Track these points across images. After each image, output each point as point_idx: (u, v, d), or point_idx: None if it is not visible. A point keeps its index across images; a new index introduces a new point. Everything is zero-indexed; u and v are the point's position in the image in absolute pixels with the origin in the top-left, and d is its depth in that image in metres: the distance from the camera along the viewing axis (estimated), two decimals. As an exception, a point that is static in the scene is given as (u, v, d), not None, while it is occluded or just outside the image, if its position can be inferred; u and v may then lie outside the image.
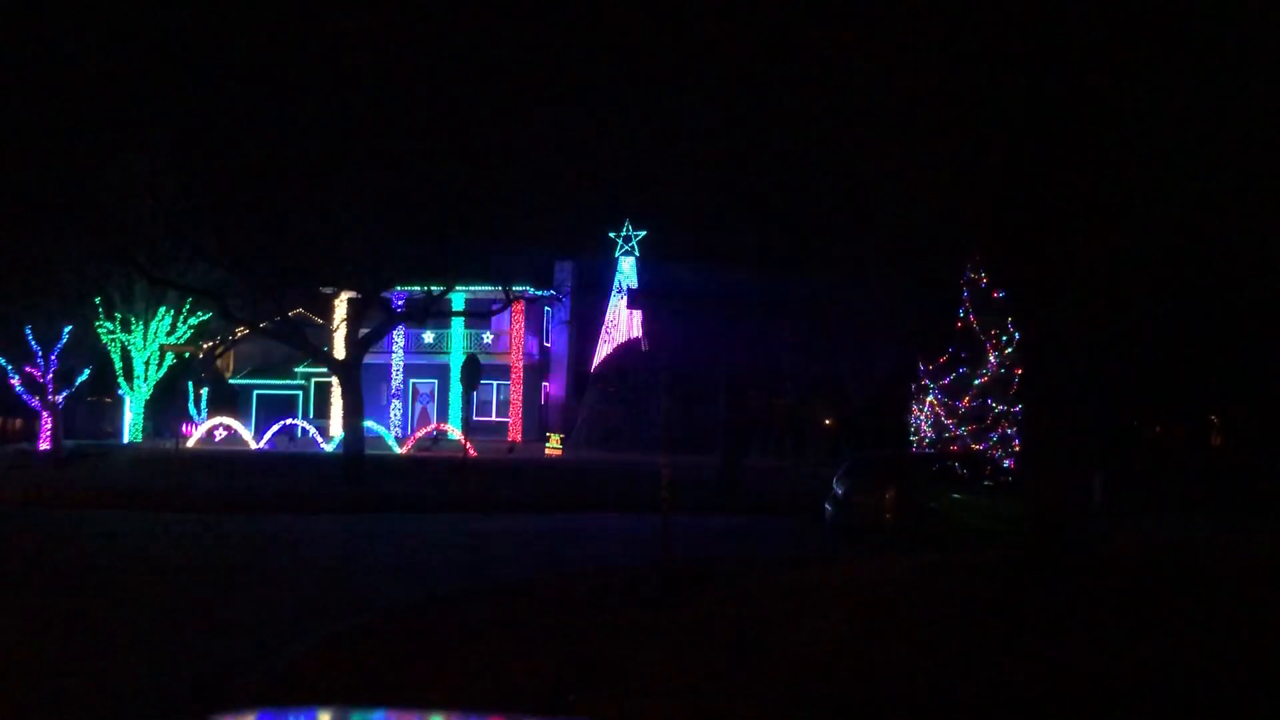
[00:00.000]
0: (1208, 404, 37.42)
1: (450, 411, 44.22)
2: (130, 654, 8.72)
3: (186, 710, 7.29)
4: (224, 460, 31.96)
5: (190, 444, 39.55)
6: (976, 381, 28.45)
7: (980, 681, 6.72)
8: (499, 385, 44.71)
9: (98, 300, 38.66)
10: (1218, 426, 39.10)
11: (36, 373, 37.62)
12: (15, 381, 37.65)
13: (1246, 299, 25.84)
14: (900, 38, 9.87)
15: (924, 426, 30.72)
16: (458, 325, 44.54)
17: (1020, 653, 7.13)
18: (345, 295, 35.15)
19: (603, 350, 45.91)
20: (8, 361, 37.40)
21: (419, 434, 40.53)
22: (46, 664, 8.34)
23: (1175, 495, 28.31)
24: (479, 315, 39.30)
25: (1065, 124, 9.52)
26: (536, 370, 46.69)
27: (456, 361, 42.22)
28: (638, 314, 44.13)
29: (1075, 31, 9.42)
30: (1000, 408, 27.50)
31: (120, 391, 42.52)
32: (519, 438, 43.89)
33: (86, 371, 39.39)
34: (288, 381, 46.78)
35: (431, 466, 30.02)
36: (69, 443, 37.53)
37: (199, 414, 43.33)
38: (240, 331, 38.16)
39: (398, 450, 38.00)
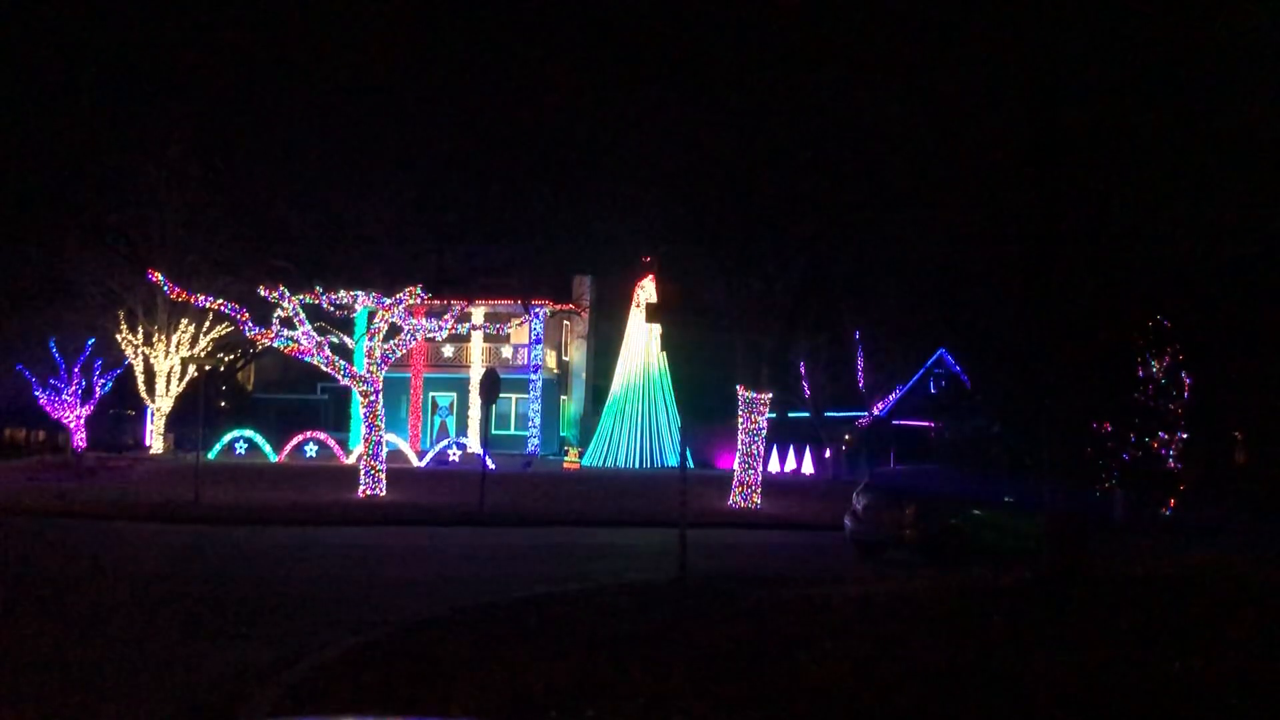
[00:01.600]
0: (1232, 420, 37.11)
1: (469, 424, 44.30)
2: (148, 663, 8.75)
3: (206, 718, 7.33)
4: (244, 473, 32.09)
5: (211, 456, 39.78)
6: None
7: (996, 703, 6.68)
8: (518, 399, 44.80)
9: (120, 313, 38.98)
10: (1241, 442, 38.78)
11: (60, 385, 37.95)
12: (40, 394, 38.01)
13: (1270, 313, 25.67)
14: (923, 69, 9.92)
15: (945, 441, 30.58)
16: (477, 339, 44.66)
17: (1038, 672, 7.08)
18: (366, 308, 35.30)
19: (621, 364, 45.93)
20: (32, 374, 37.74)
21: (437, 447, 40.63)
22: (67, 673, 8.39)
23: (1199, 513, 28.05)
24: (499, 328, 39.42)
25: (1076, 149, 9.53)
26: (555, 384, 46.76)
27: (476, 375, 42.33)
28: (656, 328, 44.13)
29: (1086, 62, 9.47)
30: (1021, 423, 27.33)
31: (142, 404, 42.83)
32: (538, 451, 43.95)
33: (109, 384, 39.69)
34: (308, 395, 46.98)
35: (449, 480, 30.07)
36: (91, 454, 37.81)
37: (220, 426, 43.57)
38: (261, 344, 38.35)
39: (417, 463, 38.10)
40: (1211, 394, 31.19)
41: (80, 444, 38.11)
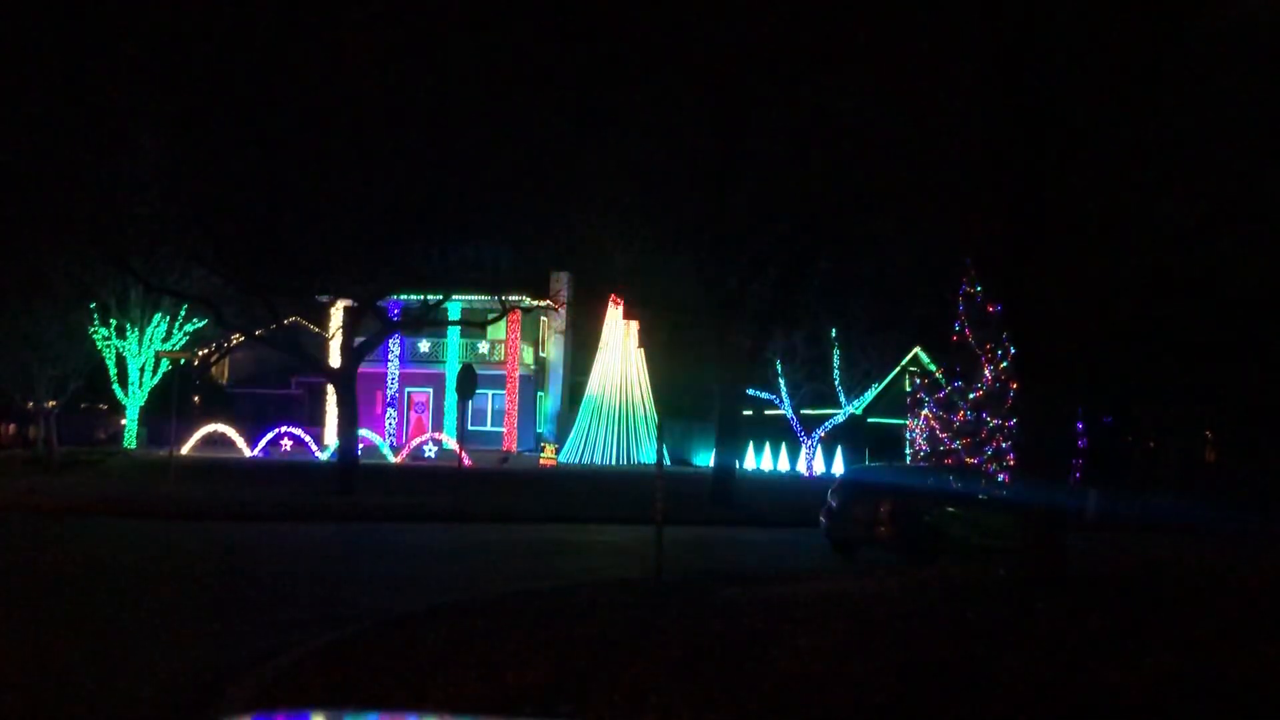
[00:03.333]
0: (1202, 419, 37.48)
1: (445, 420, 44.18)
2: (125, 660, 8.69)
3: (183, 715, 7.29)
4: (218, 468, 31.89)
5: (184, 451, 39.50)
6: (971, 395, 28.45)
7: (971, 699, 6.72)
8: (494, 395, 44.70)
9: (93, 306, 38.59)
10: (1212, 441, 39.19)
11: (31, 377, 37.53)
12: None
13: (1240, 313, 25.92)
14: (894, 64, 9.95)
15: (919, 439, 30.72)
16: (454, 334, 44.51)
17: (1011, 670, 7.12)
18: (341, 303, 35.13)
19: (599, 360, 45.88)
20: (2, 367, 37.31)
21: (413, 443, 40.51)
22: (43, 670, 8.32)
23: (1169, 510, 28.34)
24: (475, 324, 39.27)
25: (1051, 143, 9.61)
26: (532, 380, 46.69)
27: (452, 371, 42.21)
28: (634, 324, 44.18)
29: (1059, 60, 9.53)
30: (995, 422, 27.48)
31: (115, 398, 42.45)
32: (514, 447, 43.87)
33: (81, 377, 39.29)
34: (282, 389, 46.73)
35: (425, 476, 29.98)
36: (63, 449, 37.44)
37: (193, 421, 43.28)
38: (236, 339, 38.13)
39: (392, 459, 37.96)
40: (1183, 394, 31.52)
41: (36, 439, 37.82)
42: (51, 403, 37.98)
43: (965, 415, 28.60)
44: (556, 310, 45.36)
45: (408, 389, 46.07)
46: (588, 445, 43.47)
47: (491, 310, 36.18)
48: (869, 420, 45.42)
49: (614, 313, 43.84)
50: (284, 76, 24.68)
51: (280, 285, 28.72)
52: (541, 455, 40.43)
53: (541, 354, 48.11)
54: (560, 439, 44.28)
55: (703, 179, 25.91)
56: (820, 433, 44.23)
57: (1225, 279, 18.66)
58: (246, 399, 47.47)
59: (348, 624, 9.96)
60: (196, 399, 44.10)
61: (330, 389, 34.81)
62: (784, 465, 45.00)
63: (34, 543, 16.78)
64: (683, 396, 41.03)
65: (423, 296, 31.08)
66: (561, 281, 44.62)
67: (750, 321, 28.80)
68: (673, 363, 41.55)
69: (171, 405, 29.38)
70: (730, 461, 28.66)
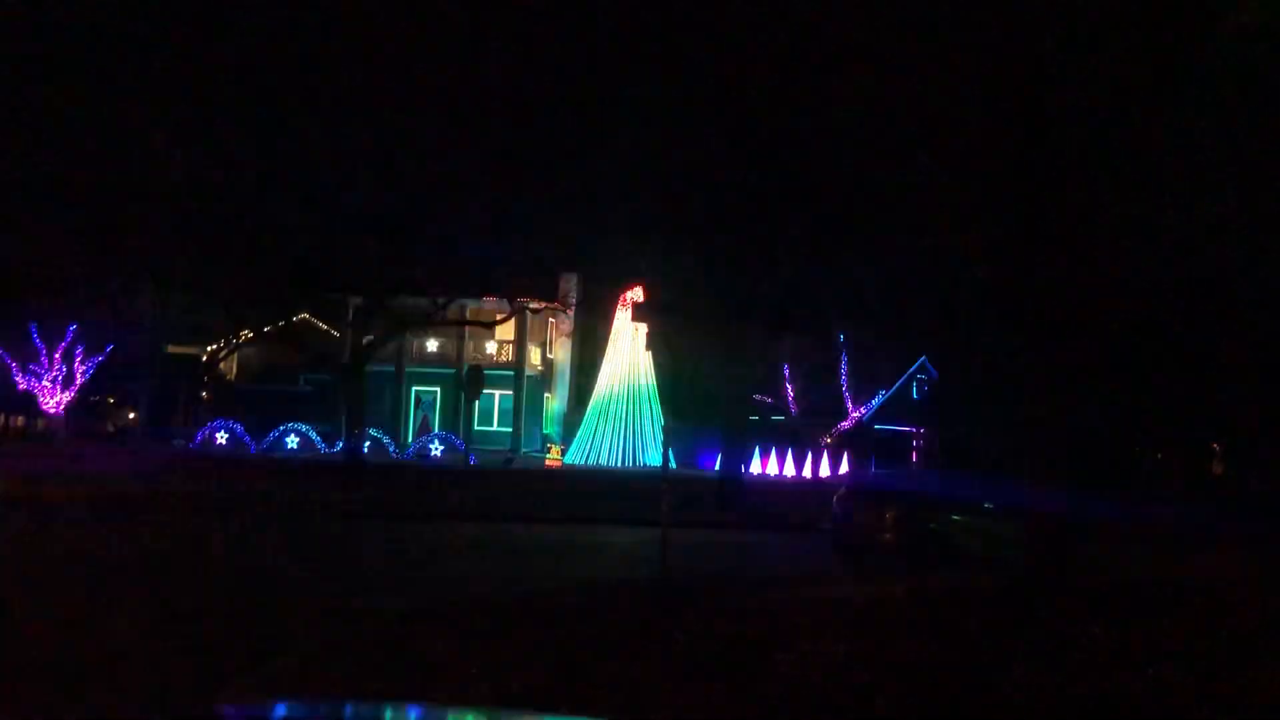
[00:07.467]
0: (1210, 431, 37.38)
1: (452, 420, 44.22)
2: (125, 653, 8.72)
3: (186, 707, 7.30)
4: (224, 463, 31.95)
5: (191, 446, 39.63)
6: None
7: (974, 708, 6.72)
8: (501, 395, 44.73)
9: (104, 301, 38.74)
10: (1220, 454, 39.07)
11: (41, 371, 37.73)
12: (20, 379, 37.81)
13: (1248, 326, 25.86)
14: (905, 72, 9.97)
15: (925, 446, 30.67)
16: (462, 335, 44.55)
17: (1014, 677, 7.12)
18: (351, 302, 35.22)
19: (606, 362, 45.91)
20: (13, 359, 37.49)
21: (419, 442, 40.56)
22: (49, 661, 8.35)
23: (1176, 522, 28.25)
24: (484, 325, 39.35)
25: (1058, 151, 9.62)
26: (539, 381, 46.70)
27: (460, 370, 42.25)
28: (642, 327, 44.18)
29: (1068, 71, 9.55)
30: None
31: (123, 391, 42.61)
32: (520, 448, 43.90)
33: (90, 371, 39.46)
34: (291, 386, 46.78)
35: (431, 475, 30.01)
36: (71, 441, 37.58)
37: (201, 416, 43.39)
38: (245, 335, 38.21)
39: (399, 457, 38.01)
40: (1192, 405, 31.42)
41: (57, 429, 37.94)
42: (62, 396, 38.14)
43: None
44: (564, 312, 45.40)
45: (415, 388, 46.12)
46: (594, 447, 43.46)
47: (500, 311, 36.24)
48: (876, 427, 45.39)
49: (622, 315, 43.83)
50: (295, 75, 24.76)
51: (291, 283, 28.82)
52: (547, 456, 40.45)
53: (549, 355, 48.13)
54: (566, 440, 44.28)
55: (713, 180, 25.92)
56: (825, 438, 44.21)
57: (1232, 288, 18.60)
58: (254, 395, 47.52)
59: (350, 621, 9.98)
60: (204, 394, 44.19)
61: (339, 386, 34.80)
62: (790, 470, 44.97)
63: (43, 534, 16.82)
64: (690, 399, 41.06)
65: (432, 296, 31.10)
66: (570, 283, 44.66)
67: (759, 326, 28.81)
68: (680, 365, 41.60)
69: (179, 400, 29.44)
70: (737, 465, 28.64)
